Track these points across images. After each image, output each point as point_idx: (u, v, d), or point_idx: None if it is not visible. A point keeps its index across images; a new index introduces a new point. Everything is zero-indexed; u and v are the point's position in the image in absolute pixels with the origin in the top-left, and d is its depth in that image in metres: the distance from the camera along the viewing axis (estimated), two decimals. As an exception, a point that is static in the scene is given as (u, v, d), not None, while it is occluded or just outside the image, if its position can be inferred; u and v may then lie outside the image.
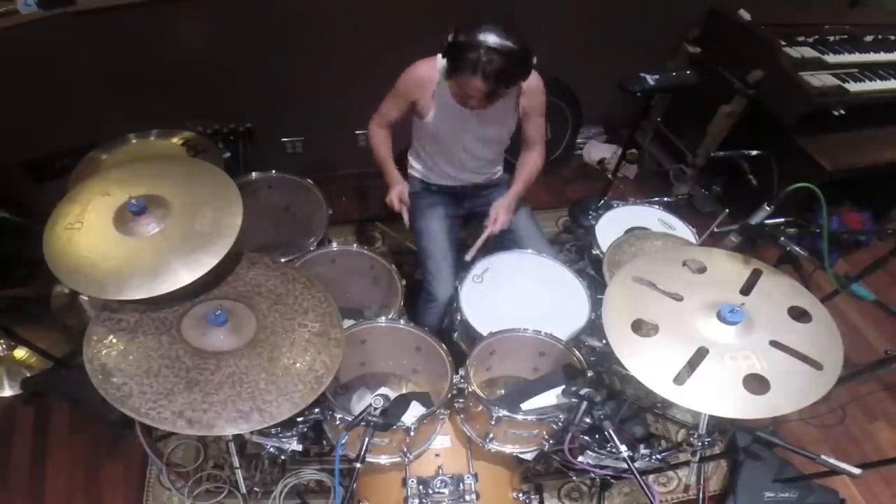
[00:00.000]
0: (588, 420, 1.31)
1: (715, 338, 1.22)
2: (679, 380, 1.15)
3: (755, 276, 1.37)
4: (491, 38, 1.45)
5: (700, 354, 1.19)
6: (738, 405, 1.12)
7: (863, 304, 1.97)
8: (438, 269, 1.85)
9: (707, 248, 1.62)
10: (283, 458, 1.61)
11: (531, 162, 1.91)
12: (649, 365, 1.18)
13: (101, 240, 1.24)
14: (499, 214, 1.85)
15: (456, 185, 1.98)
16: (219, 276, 1.34)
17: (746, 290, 1.34)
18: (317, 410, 1.41)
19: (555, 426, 1.44)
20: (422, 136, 1.88)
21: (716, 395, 1.13)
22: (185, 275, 1.20)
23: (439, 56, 1.65)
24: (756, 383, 1.15)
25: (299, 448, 1.45)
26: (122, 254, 1.22)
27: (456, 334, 1.74)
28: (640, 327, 1.26)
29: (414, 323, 1.62)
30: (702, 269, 1.41)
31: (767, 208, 1.45)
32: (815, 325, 1.27)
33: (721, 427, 1.68)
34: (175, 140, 1.96)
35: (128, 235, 1.25)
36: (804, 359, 1.19)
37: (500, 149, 1.95)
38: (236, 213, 1.30)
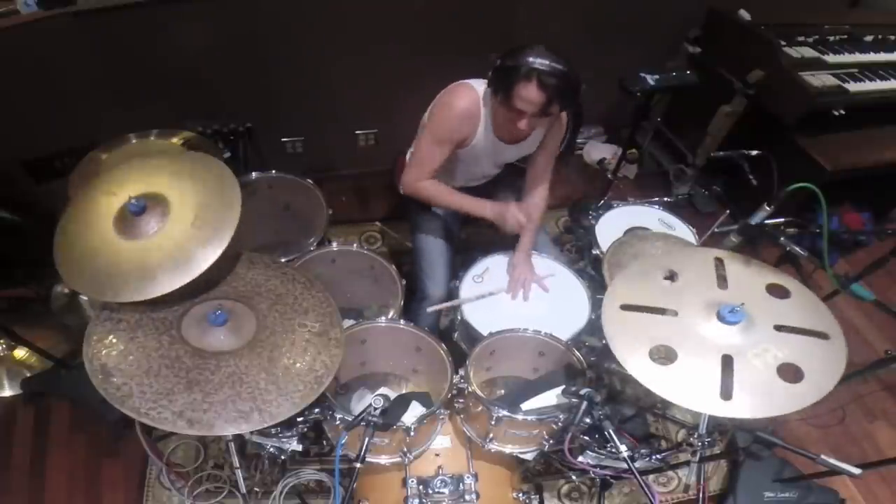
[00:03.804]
0: (588, 420, 1.31)
1: (730, 341, 1.19)
2: (725, 394, 1.12)
3: (720, 266, 1.35)
4: (541, 59, 1.41)
5: (728, 363, 1.16)
6: (785, 397, 1.10)
7: (863, 304, 1.98)
8: (433, 266, 1.85)
9: (668, 249, 1.56)
10: (283, 458, 1.61)
11: (538, 207, 1.84)
12: (690, 392, 1.13)
13: (101, 240, 1.24)
14: (524, 276, 1.76)
15: (457, 188, 1.97)
16: (219, 276, 1.34)
17: (722, 283, 1.32)
18: (317, 410, 1.41)
19: (555, 426, 1.44)
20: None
21: (762, 396, 1.11)
22: (184, 275, 1.20)
23: (476, 86, 1.60)
24: (790, 371, 1.13)
25: (299, 448, 1.45)
26: (122, 254, 1.22)
27: (456, 334, 1.74)
28: (656, 355, 1.20)
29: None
30: (674, 275, 1.37)
31: (767, 208, 1.45)
32: (794, 298, 1.28)
33: (721, 427, 1.68)
34: (175, 140, 1.96)
35: (128, 236, 1.24)
36: (809, 332, 1.18)
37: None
38: (236, 213, 1.29)
